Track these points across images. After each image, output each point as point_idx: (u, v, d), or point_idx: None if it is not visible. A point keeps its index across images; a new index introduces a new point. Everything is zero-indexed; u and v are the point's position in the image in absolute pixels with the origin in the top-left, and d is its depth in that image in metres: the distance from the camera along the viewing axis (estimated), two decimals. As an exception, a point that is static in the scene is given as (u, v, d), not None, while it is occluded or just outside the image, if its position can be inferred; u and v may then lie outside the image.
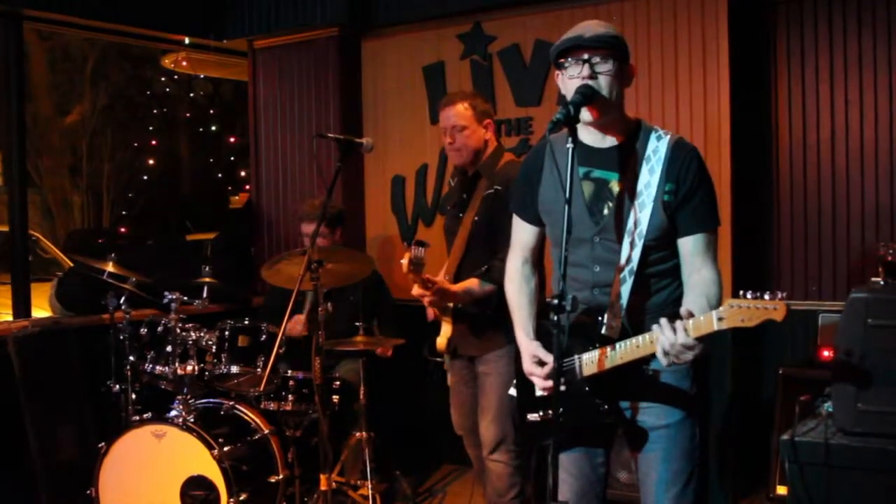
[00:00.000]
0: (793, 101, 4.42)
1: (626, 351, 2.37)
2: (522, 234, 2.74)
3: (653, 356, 2.39)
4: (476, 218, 3.62)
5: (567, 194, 2.27)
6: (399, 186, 5.43)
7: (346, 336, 4.30)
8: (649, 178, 2.44)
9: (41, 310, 5.43)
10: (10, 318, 4.94)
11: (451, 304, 3.65)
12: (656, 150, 2.45)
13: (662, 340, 2.21)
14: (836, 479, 2.86)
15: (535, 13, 4.87)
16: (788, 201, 4.45)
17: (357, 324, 4.28)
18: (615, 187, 2.49)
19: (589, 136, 2.54)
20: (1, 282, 6.39)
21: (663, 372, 2.49)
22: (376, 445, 4.37)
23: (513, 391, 2.77)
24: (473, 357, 3.77)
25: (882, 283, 3.12)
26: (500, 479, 3.76)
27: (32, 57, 13.35)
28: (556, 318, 2.24)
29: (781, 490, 3.96)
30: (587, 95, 2.37)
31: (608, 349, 2.41)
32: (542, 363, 2.52)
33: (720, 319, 2.12)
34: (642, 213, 2.42)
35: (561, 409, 2.33)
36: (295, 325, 4.49)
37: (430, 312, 3.88)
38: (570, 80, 2.45)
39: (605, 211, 2.49)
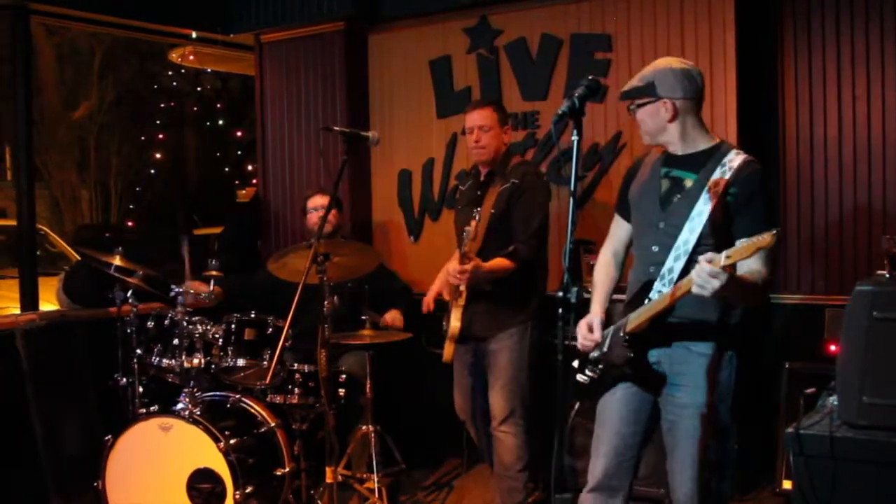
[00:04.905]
0: (800, 95, 4.40)
1: (650, 306, 2.77)
2: (618, 230, 3.19)
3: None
4: (493, 210, 3.91)
5: (572, 187, 2.43)
6: (405, 180, 5.44)
7: (347, 326, 4.30)
8: (719, 179, 2.78)
9: (48, 303, 5.45)
10: (17, 311, 4.98)
11: (464, 289, 3.85)
12: (732, 160, 2.81)
13: (694, 273, 2.54)
14: (841, 473, 2.86)
15: (542, 7, 4.87)
16: (795, 196, 4.44)
17: (363, 318, 4.29)
18: (688, 183, 2.86)
19: (675, 147, 2.96)
20: (9, 275, 6.44)
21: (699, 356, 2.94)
22: (382, 439, 4.39)
23: (581, 377, 3.01)
24: (484, 338, 3.97)
25: (887, 276, 3.11)
26: (507, 451, 3.95)
27: (40, 52, 13.38)
28: (559, 312, 2.26)
29: (788, 485, 3.96)
30: (593, 89, 2.57)
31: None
32: (591, 329, 2.95)
33: (728, 257, 2.42)
34: (706, 206, 2.74)
35: (601, 367, 2.89)
36: (201, 286, 4.45)
37: (427, 301, 4.20)
38: None
39: (675, 200, 2.87)
